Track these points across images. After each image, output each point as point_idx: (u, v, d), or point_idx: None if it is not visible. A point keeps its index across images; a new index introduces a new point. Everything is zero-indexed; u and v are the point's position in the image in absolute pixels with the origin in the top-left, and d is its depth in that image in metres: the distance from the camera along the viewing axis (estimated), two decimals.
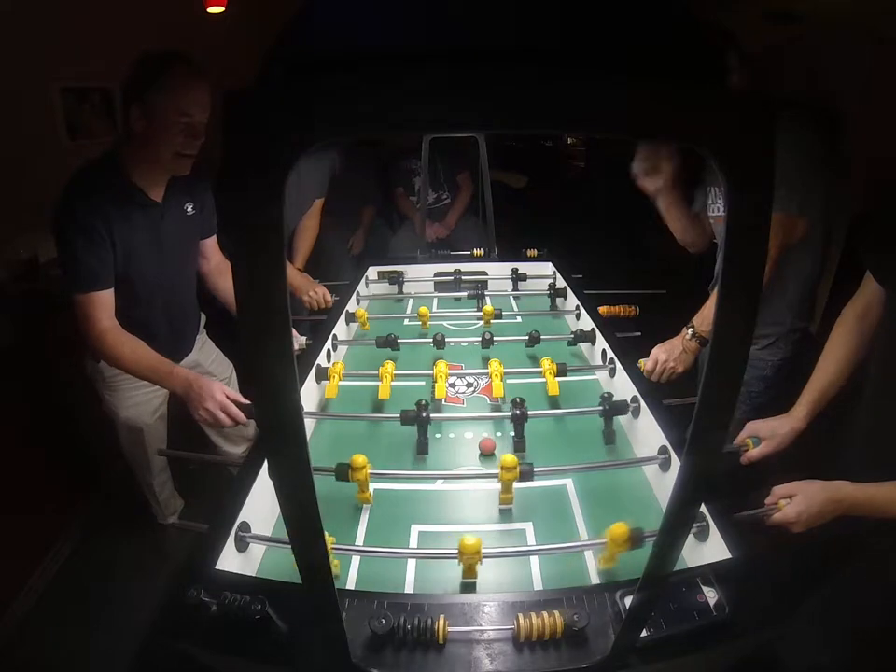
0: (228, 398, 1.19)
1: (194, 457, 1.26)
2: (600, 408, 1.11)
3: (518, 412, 1.08)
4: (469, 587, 0.81)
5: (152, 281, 1.38)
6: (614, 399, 1.12)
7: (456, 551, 0.77)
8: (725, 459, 1.07)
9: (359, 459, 0.92)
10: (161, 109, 1.19)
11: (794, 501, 0.87)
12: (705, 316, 1.37)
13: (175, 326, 1.53)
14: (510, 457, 0.91)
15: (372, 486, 1.00)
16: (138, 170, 1.29)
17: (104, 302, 1.25)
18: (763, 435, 1.05)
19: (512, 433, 1.15)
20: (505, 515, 0.96)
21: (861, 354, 1.05)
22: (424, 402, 1.10)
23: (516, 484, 1.00)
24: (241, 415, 1.18)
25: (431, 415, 1.17)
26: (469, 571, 0.79)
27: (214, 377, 1.68)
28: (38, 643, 1.59)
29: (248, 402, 1.20)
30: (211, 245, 1.57)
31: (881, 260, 0.99)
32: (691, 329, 1.36)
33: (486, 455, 1.11)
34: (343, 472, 0.92)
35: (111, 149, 1.30)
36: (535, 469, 0.91)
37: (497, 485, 1.01)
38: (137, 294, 1.37)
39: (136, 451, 1.61)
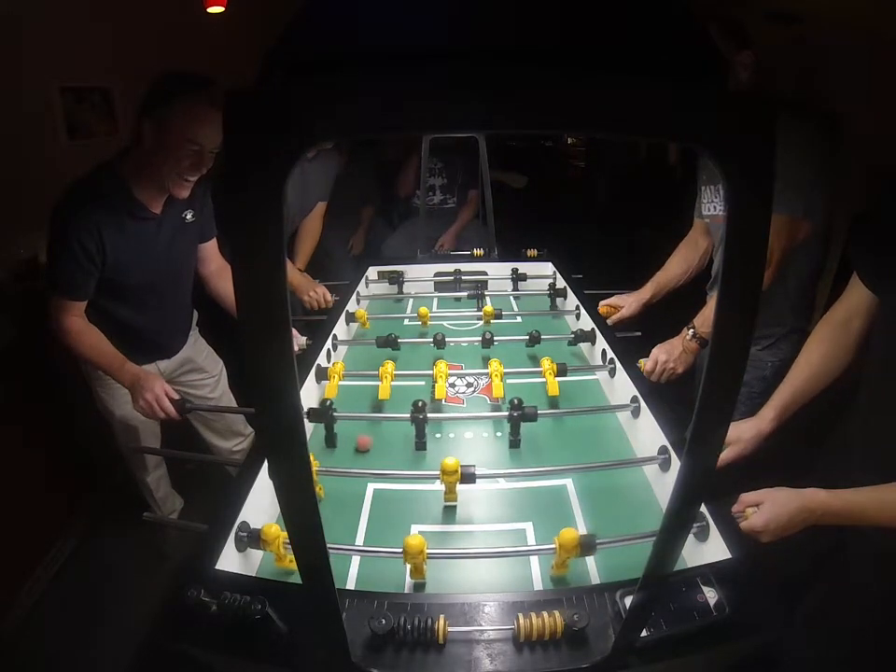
0: (166, 394, 1.26)
1: (169, 453, 1.30)
2: (506, 413, 1.10)
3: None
4: (419, 587, 0.80)
5: (149, 288, 1.40)
6: (524, 404, 1.08)
7: (459, 551, 0.77)
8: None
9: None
10: (173, 132, 1.19)
11: (762, 510, 0.84)
12: (706, 317, 1.37)
13: (171, 327, 1.55)
14: (451, 461, 0.89)
15: (372, 487, 1.01)
16: (140, 183, 1.29)
17: (75, 306, 1.30)
18: (728, 439, 1.01)
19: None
20: (505, 515, 0.96)
21: (838, 361, 1.02)
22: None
23: (517, 484, 1.00)
24: (172, 410, 1.26)
25: (431, 415, 1.18)
26: (417, 571, 0.78)
27: (205, 372, 1.70)
28: (39, 643, 1.59)
29: (180, 399, 1.29)
30: (211, 248, 1.57)
31: (875, 266, 0.97)
32: (691, 330, 1.36)
33: (361, 451, 1.12)
34: None
35: (114, 158, 1.30)
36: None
37: (498, 485, 1.01)
38: (134, 300, 1.38)
39: (132, 448, 1.61)
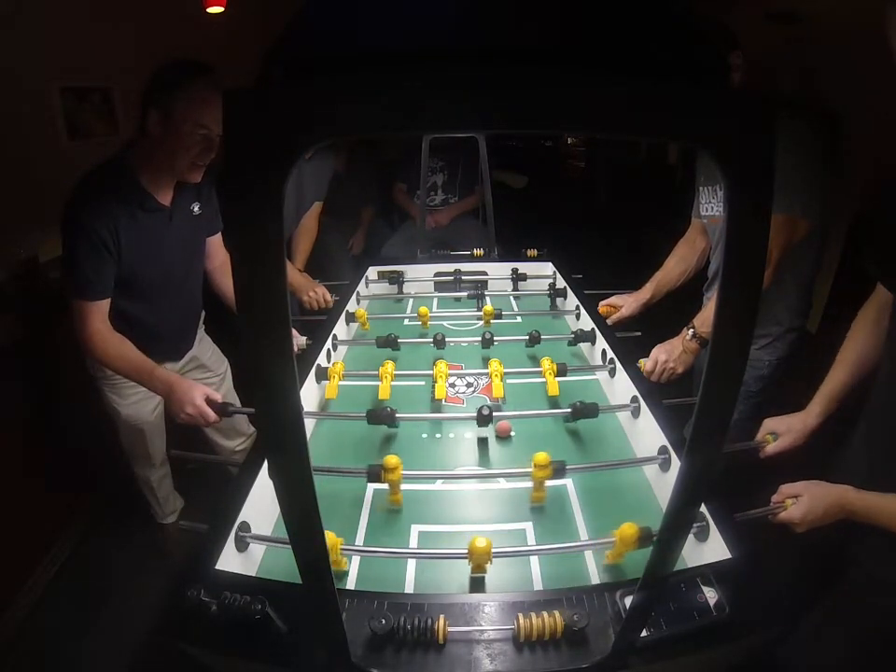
0: (208, 399, 1.22)
1: (200, 458, 1.28)
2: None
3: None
4: (477, 581, 0.81)
5: (160, 283, 1.39)
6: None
7: (457, 550, 0.78)
8: (738, 456, 1.08)
9: (392, 460, 0.91)
10: (181, 119, 1.19)
11: (800, 502, 0.88)
12: (706, 318, 1.37)
13: (181, 324, 1.55)
14: (542, 455, 0.91)
15: (372, 487, 1.00)
16: (148, 174, 1.29)
17: (98, 309, 1.27)
18: (780, 431, 1.06)
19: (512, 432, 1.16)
20: (505, 515, 0.96)
21: (873, 357, 1.04)
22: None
23: (517, 484, 1.00)
24: (214, 417, 1.22)
25: (431, 415, 1.18)
26: (478, 568, 0.79)
27: (210, 371, 1.70)
28: (38, 643, 1.59)
29: (223, 403, 1.24)
30: (216, 242, 1.57)
31: (890, 271, 0.98)
32: (691, 330, 1.36)
33: (503, 437, 1.14)
34: (376, 474, 0.91)
35: (121, 152, 1.29)
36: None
37: (498, 485, 1.01)
38: (145, 296, 1.37)
39: (137, 448, 1.62)
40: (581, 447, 1.13)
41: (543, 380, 1.27)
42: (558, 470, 0.91)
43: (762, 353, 1.45)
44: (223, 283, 1.59)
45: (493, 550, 0.77)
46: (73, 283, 1.23)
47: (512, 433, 1.16)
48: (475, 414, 1.09)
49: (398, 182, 2.84)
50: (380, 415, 1.09)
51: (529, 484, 0.96)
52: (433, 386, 1.24)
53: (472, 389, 1.34)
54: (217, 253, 1.58)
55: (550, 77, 0.31)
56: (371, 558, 0.85)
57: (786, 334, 1.44)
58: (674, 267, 1.66)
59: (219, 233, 1.57)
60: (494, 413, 1.09)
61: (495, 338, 1.46)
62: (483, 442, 1.15)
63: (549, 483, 1.00)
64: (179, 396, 1.22)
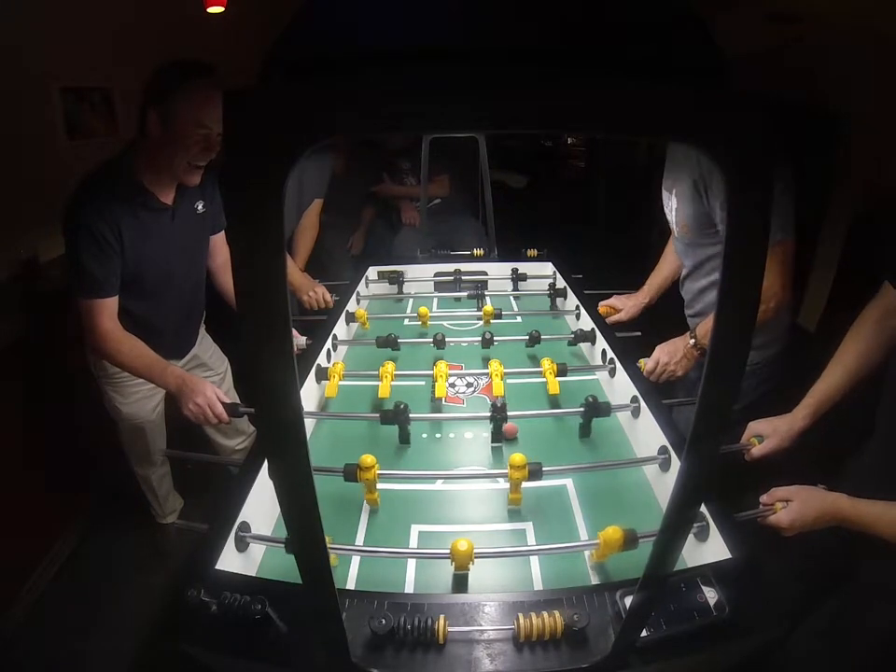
0: (217, 397, 1.23)
1: (198, 457, 1.27)
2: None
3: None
4: (461, 579, 0.81)
5: (162, 281, 1.39)
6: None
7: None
8: (725, 458, 1.07)
9: (368, 459, 0.92)
10: (180, 119, 1.19)
11: (790, 507, 0.87)
12: (709, 329, 1.36)
13: (183, 323, 1.55)
14: (518, 456, 0.91)
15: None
16: (150, 173, 1.29)
17: (107, 307, 1.27)
18: (765, 433, 1.05)
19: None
20: (505, 515, 0.96)
21: (873, 359, 1.02)
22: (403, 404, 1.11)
23: None
24: (224, 415, 1.23)
25: (431, 415, 1.18)
26: (461, 568, 0.79)
27: (211, 370, 1.70)
28: (39, 643, 1.59)
29: (232, 402, 1.25)
30: (219, 241, 1.57)
31: None
32: (693, 339, 1.35)
33: (510, 438, 1.14)
34: (352, 473, 0.92)
35: (122, 151, 1.30)
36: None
37: (498, 485, 1.01)
38: (148, 294, 1.38)
39: (137, 446, 1.62)
40: (581, 447, 1.13)
41: (543, 380, 1.27)
42: (534, 472, 0.91)
43: (753, 354, 1.45)
44: (225, 281, 1.59)
45: (483, 550, 0.77)
46: (80, 282, 1.23)
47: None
48: (488, 414, 1.09)
49: (368, 206, 2.87)
50: (394, 415, 1.09)
51: (530, 484, 0.95)
52: (433, 386, 1.24)
53: (472, 389, 1.34)
54: (220, 251, 1.58)
55: (550, 78, 0.31)
56: (371, 558, 0.85)
57: (781, 334, 1.44)
58: (666, 267, 1.66)
59: (223, 231, 1.57)
60: (508, 413, 1.09)
61: (495, 338, 1.46)
62: (487, 443, 1.15)
63: (549, 483, 1.01)
64: (191, 388, 1.23)
